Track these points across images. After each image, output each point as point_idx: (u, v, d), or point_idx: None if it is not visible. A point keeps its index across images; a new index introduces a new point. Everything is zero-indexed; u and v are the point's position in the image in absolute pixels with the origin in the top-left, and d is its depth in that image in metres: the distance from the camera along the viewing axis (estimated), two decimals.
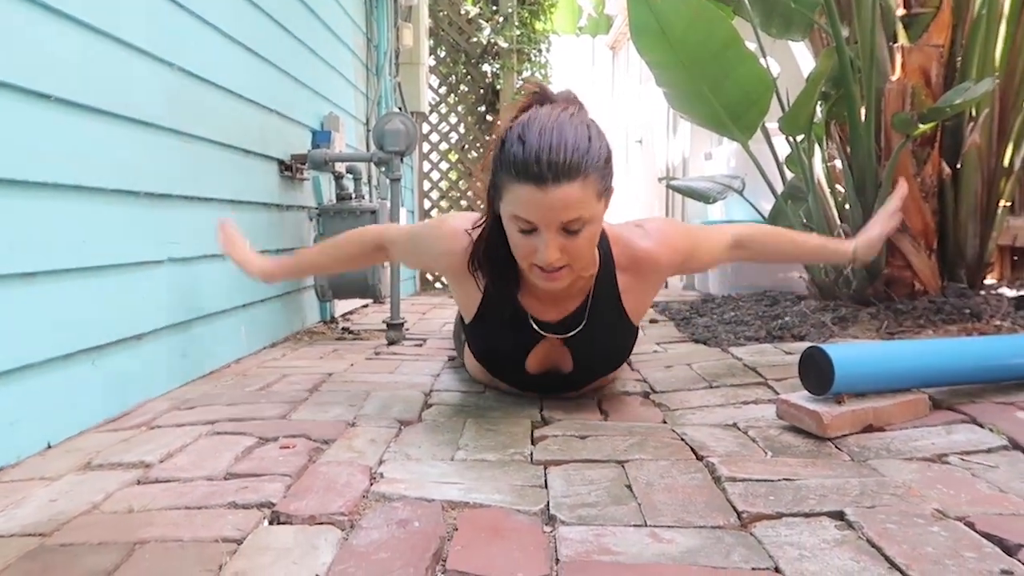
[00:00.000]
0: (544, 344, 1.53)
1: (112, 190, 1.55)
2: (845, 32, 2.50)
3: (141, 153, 1.67)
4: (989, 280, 3.24)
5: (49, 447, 1.34)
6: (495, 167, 1.34)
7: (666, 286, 4.81)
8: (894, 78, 2.38)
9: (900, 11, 2.41)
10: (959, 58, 2.44)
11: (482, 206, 1.47)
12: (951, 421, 1.34)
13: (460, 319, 1.96)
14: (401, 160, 2.48)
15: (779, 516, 0.98)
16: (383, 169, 2.51)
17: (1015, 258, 3.34)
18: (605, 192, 1.33)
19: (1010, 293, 2.82)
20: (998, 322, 2.26)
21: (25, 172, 1.29)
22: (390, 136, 2.39)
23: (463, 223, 1.50)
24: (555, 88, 1.45)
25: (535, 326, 1.50)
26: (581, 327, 1.50)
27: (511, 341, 1.54)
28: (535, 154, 1.24)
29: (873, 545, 0.88)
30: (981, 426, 1.31)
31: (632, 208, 6.63)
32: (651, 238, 1.51)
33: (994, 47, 2.36)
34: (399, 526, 0.95)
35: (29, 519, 1.00)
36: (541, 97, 1.39)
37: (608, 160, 1.33)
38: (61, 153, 1.39)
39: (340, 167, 2.77)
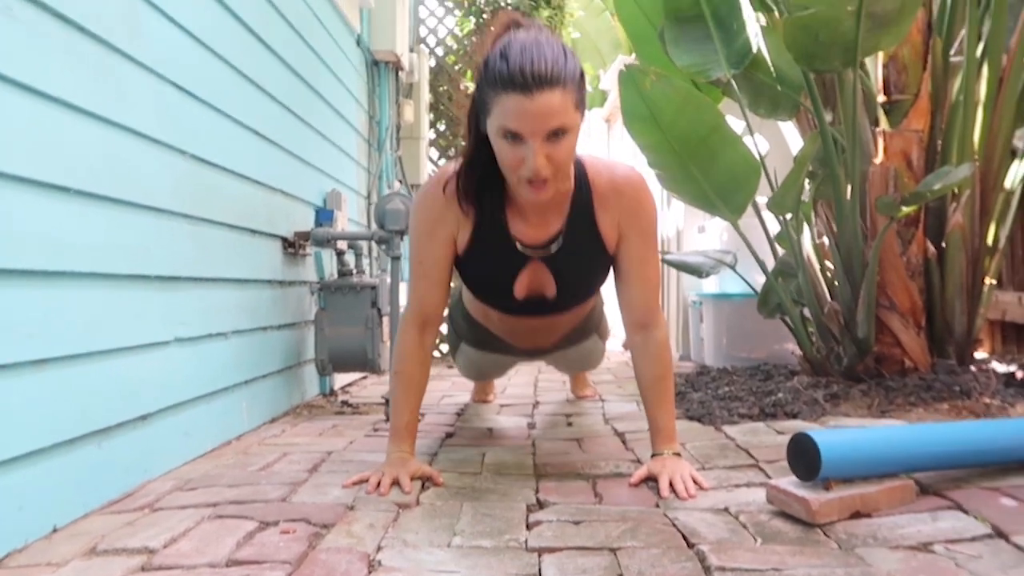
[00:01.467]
0: (529, 268, 1.71)
1: (124, 275, 1.61)
2: (829, 116, 2.60)
3: (153, 238, 1.74)
4: (980, 354, 3.29)
5: (55, 531, 1.37)
6: (479, 87, 1.47)
7: None
8: (877, 161, 2.48)
9: (881, 98, 2.52)
10: (939, 141, 2.54)
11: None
12: (937, 507, 1.37)
13: (456, 298, 2.17)
14: (401, 238, 2.55)
15: None
16: (383, 247, 2.58)
17: (1005, 332, 3.39)
18: (581, 103, 1.47)
19: (1000, 368, 2.86)
20: (987, 399, 2.30)
21: (44, 263, 1.35)
22: (391, 215, 2.47)
23: (435, 180, 1.69)
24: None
25: (520, 247, 1.66)
26: (561, 244, 1.67)
27: (499, 266, 1.71)
28: (519, 66, 1.38)
29: None
30: (966, 513, 1.34)
31: None
32: (627, 170, 1.71)
33: (972, 131, 2.46)
34: None
35: None
36: (514, 23, 1.54)
37: (582, 75, 1.48)
38: (79, 242, 1.46)
39: (342, 243, 2.84)
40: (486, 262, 1.72)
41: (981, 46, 2.47)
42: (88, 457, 1.49)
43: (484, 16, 5.42)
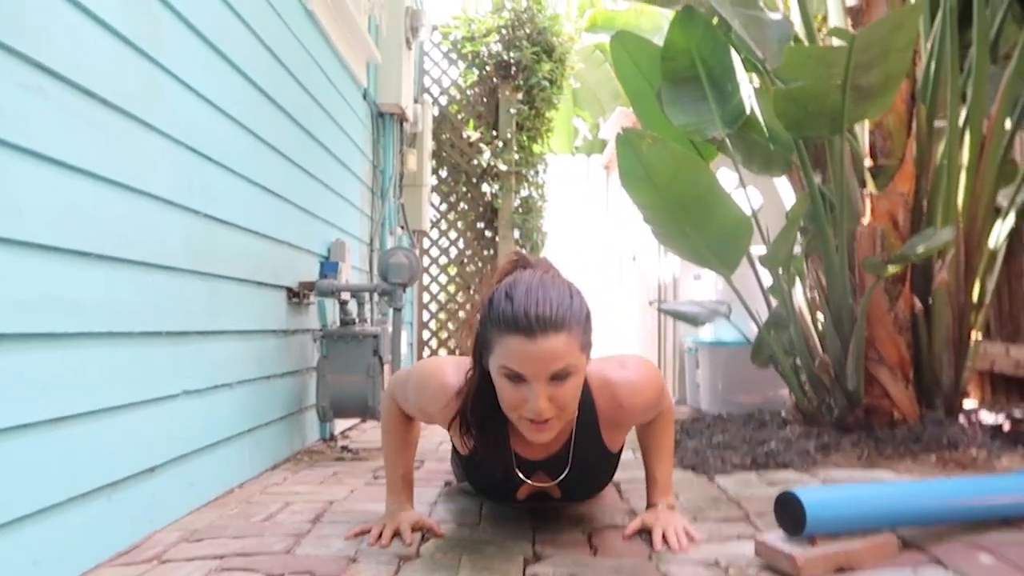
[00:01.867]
0: (532, 480, 1.65)
1: (138, 333, 1.68)
2: (819, 177, 2.70)
3: (165, 295, 1.81)
4: (970, 403, 3.35)
5: None
6: (484, 324, 1.45)
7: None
8: (865, 222, 2.56)
9: (868, 162, 2.62)
10: (925, 202, 2.63)
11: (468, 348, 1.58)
12: (919, 563, 1.42)
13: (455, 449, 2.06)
14: (404, 290, 2.62)
15: None
16: (386, 299, 2.65)
17: (994, 383, 3.45)
18: (587, 345, 1.45)
19: (988, 418, 2.92)
20: (974, 451, 2.36)
21: (65, 325, 1.42)
22: (394, 269, 2.55)
23: (450, 378, 1.57)
24: (534, 256, 1.61)
25: (521, 475, 1.61)
26: (567, 471, 1.59)
27: (501, 481, 1.65)
28: (523, 309, 1.36)
29: None
30: (946, 568, 1.39)
31: (629, 323, 6.78)
32: (627, 368, 1.62)
33: (956, 194, 2.55)
34: None
35: None
36: (521, 263, 1.54)
37: (588, 316, 1.45)
38: (97, 304, 1.53)
39: (345, 293, 2.92)
40: (486, 475, 1.70)
41: (964, 113, 2.58)
42: (99, 510, 1.54)
43: (487, 68, 5.56)
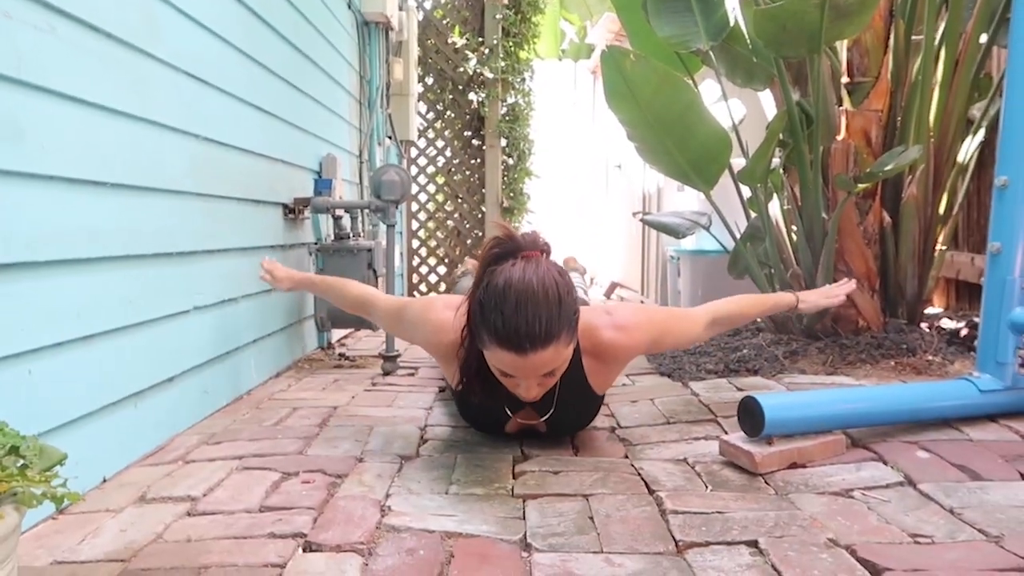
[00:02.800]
0: (520, 414, 1.77)
1: (151, 254, 1.80)
2: (798, 94, 2.78)
3: (175, 218, 1.92)
4: (934, 310, 3.54)
5: (104, 481, 1.58)
6: (476, 321, 1.51)
7: (642, 303, 5.12)
8: (839, 138, 2.66)
9: (845, 79, 2.70)
10: (899, 119, 2.72)
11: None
12: (862, 459, 1.61)
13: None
14: (396, 207, 2.73)
15: (707, 544, 1.24)
16: (379, 215, 2.76)
17: (959, 290, 3.63)
18: (573, 338, 1.54)
19: (949, 324, 3.11)
20: (930, 356, 2.55)
21: (87, 251, 1.54)
22: (386, 187, 2.64)
23: (449, 315, 1.68)
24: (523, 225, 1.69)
25: (508, 411, 1.74)
26: (552, 410, 1.72)
27: (490, 414, 1.78)
28: (514, 327, 1.43)
29: (775, 568, 1.14)
30: (886, 463, 1.58)
31: (613, 235, 6.89)
32: (617, 328, 1.71)
33: (928, 110, 2.64)
34: (408, 554, 1.20)
35: (109, 547, 1.24)
36: (510, 246, 1.54)
37: (576, 312, 1.54)
38: (113, 230, 1.64)
39: (339, 209, 3.01)
40: (475, 408, 1.80)
41: (941, 28, 2.64)
42: (127, 417, 1.70)
43: None
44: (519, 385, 1.54)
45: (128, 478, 1.60)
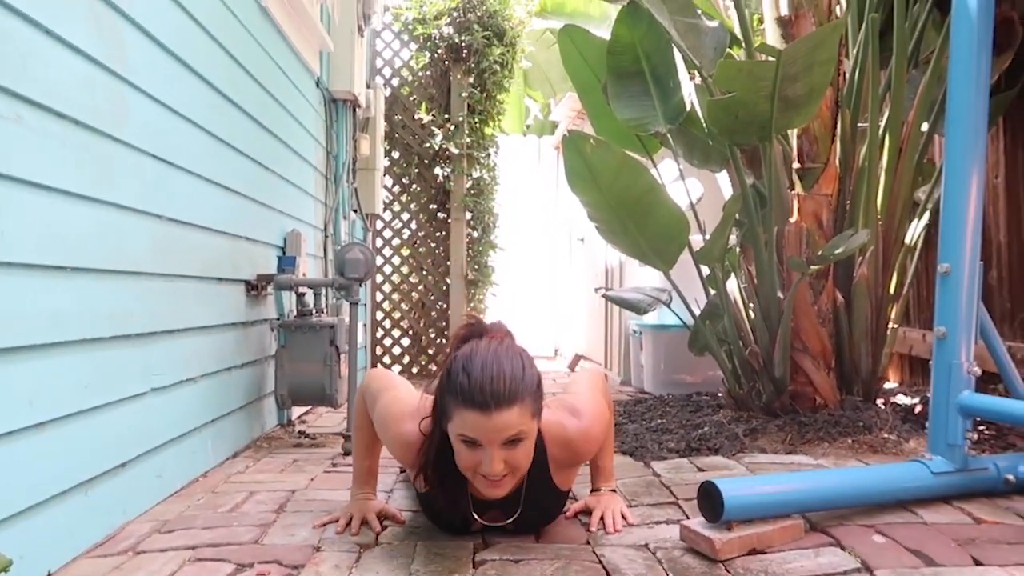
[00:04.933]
0: (486, 516, 1.73)
1: (109, 337, 1.78)
2: (751, 178, 2.88)
3: (134, 299, 1.90)
4: (890, 384, 3.61)
5: (50, 575, 1.52)
6: (442, 392, 1.55)
7: (606, 378, 5.13)
8: (792, 220, 2.75)
9: (796, 164, 2.81)
10: (848, 202, 2.83)
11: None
12: (820, 544, 1.62)
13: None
14: (360, 285, 2.74)
15: None
16: (343, 293, 2.76)
17: (912, 365, 3.72)
18: (537, 411, 1.56)
19: (904, 400, 3.18)
20: (886, 434, 2.59)
21: (45, 336, 1.52)
22: (350, 265, 2.65)
23: (408, 426, 1.67)
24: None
25: (475, 513, 1.69)
26: (518, 513, 1.69)
27: (455, 517, 1.73)
28: (479, 385, 1.46)
29: None
30: (843, 548, 1.59)
31: (576, 307, 6.95)
32: (582, 417, 1.72)
33: (875, 194, 2.76)
34: None
35: None
36: (477, 329, 1.65)
37: (539, 385, 1.56)
38: (72, 313, 1.62)
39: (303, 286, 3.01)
40: (440, 514, 1.77)
41: (884, 118, 2.77)
42: (76, 506, 1.65)
43: (439, 51, 5.63)
44: (482, 462, 1.51)
45: (75, 571, 1.55)
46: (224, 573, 1.50)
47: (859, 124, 2.86)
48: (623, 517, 1.82)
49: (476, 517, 1.71)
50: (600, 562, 1.58)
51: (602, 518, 1.80)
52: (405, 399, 1.76)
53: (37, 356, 1.50)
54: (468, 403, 1.47)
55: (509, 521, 1.72)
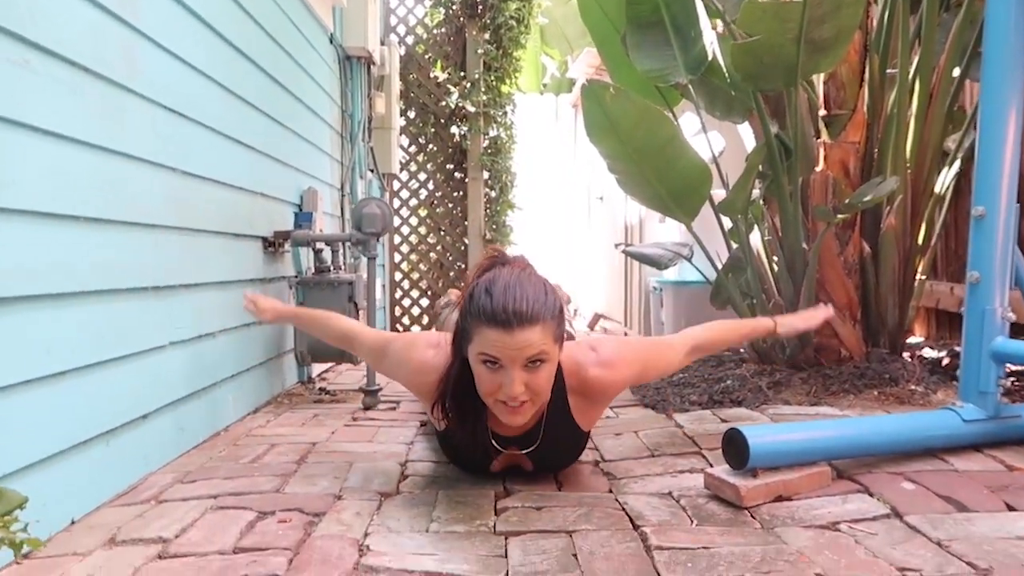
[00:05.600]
0: (505, 454, 1.74)
1: (126, 289, 1.77)
2: (776, 127, 2.80)
3: (150, 252, 1.89)
4: (915, 339, 3.55)
5: (73, 523, 1.53)
6: (464, 317, 1.54)
7: (626, 334, 5.12)
8: (818, 170, 2.68)
9: (822, 111, 2.73)
10: (876, 151, 2.75)
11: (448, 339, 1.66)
12: (848, 491, 1.59)
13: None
14: (377, 240, 2.71)
15: None
16: (360, 248, 2.74)
17: (939, 319, 3.65)
18: (559, 337, 1.55)
19: (930, 354, 3.12)
20: (912, 386, 2.54)
21: (60, 286, 1.51)
22: (367, 219, 2.62)
23: (431, 353, 1.68)
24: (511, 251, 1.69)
25: (496, 444, 1.70)
26: (537, 443, 1.70)
27: (475, 453, 1.73)
28: (501, 304, 1.46)
29: None
30: (872, 495, 1.56)
31: (596, 267, 6.90)
32: (602, 364, 1.69)
33: (904, 142, 2.67)
34: None
35: None
36: (500, 259, 1.63)
37: (561, 311, 1.55)
38: (87, 264, 1.61)
39: (320, 242, 2.99)
40: (460, 449, 1.78)
41: (915, 62, 2.68)
42: (98, 455, 1.65)
43: (453, 7, 5.53)
44: (503, 384, 1.49)
45: (98, 519, 1.55)
46: (246, 520, 1.49)
47: (888, 69, 2.77)
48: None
49: (495, 444, 1.70)
50: (623, 509, 1.56)
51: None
52: (419, 334, 1.77)
53: (53, 305, 1.49)
54: (490, 322, 1.47)
55: (527, 451, 1.71)
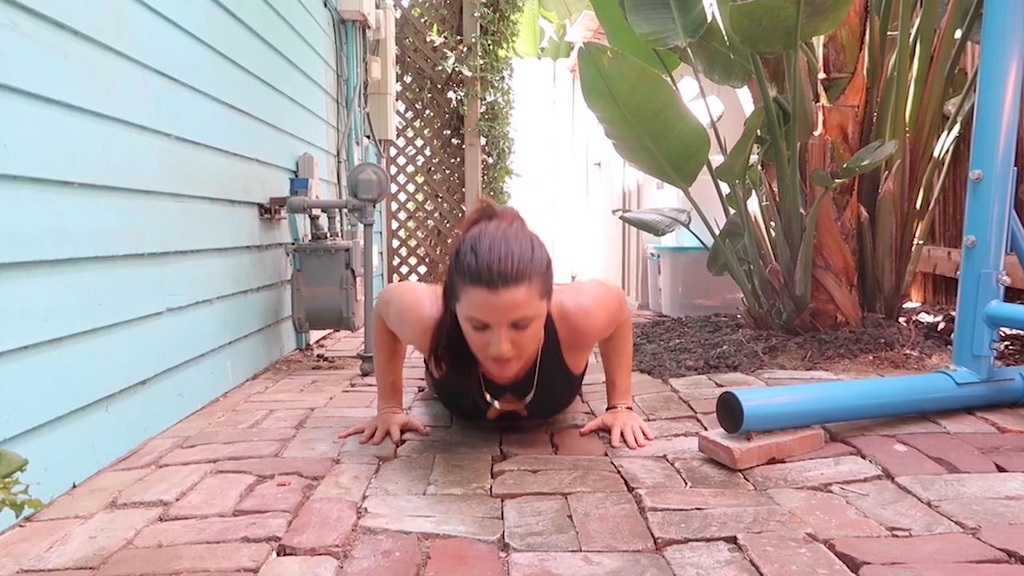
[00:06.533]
0: (501, 401, 1.77)
1: (122, 255, 1.77)
2: (775, 90, 2.78)
3: (144, 218, 1.88)
4: (912, 304, 3.56)
5: (74, 487, 1.55)
6: (451, 273, 1.53)
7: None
8: (817, 134, 2.67)
9: (821, 75, 2.70)
10: (875, 114, 2.73)
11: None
12: (840, 453, 1.61)
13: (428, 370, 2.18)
14: (373, 206, 2.70)
15: (686, 541, 1.23)
16: (356, 214, 2.73)
17: (936, 284, 3.66)
18: (547, 292, 1.55)
19: (927, 319, 3.13)
20: (908, 351, 2.56)
21: (55, 252, 1.51)
22: (363, 185, 2.61)
23: (427, 310, 1.68)
24: (501, 204, 1.67)
25: (490, 397, 1.72)
26: (532, 392, 1.72)
27: (471, 401, 1.76)
28: (486, 263, 1.45)
29: (753, 564, 1.13)
30: (864, 457, 1.58)
31: (593, 233, 6.89)
32: (584, 296, 1.73)
33: (904, 106, 2.66)
34: (384, 556, 1.18)
35: (77, 554, 1.21)
36: (488, 212, 1.61)
37: (548, 266, 1.55)
38: (82, 230, 1.60)
39: (316, 209, 2.98)
40: (457, 397, 1.81)
41: (916, 24, 2.65)
42: (98, 421, 1.66)
43: None
44: (491, 343, 1.50)
45: (99, 483, 1.57)
46: (245, 484, 1.51)
47: (889, 32, 2.74)
48: (643, 433, 1.81)
49: (489, 398, 1.72)
50: (618, 472, 1.58)
51: (622, 434, 1.80)
52: (420, 287, 1.79)
53: (48, 272, 1.49)
54: (475, 281, 1.46)
55: (523, 403, 1.72)
